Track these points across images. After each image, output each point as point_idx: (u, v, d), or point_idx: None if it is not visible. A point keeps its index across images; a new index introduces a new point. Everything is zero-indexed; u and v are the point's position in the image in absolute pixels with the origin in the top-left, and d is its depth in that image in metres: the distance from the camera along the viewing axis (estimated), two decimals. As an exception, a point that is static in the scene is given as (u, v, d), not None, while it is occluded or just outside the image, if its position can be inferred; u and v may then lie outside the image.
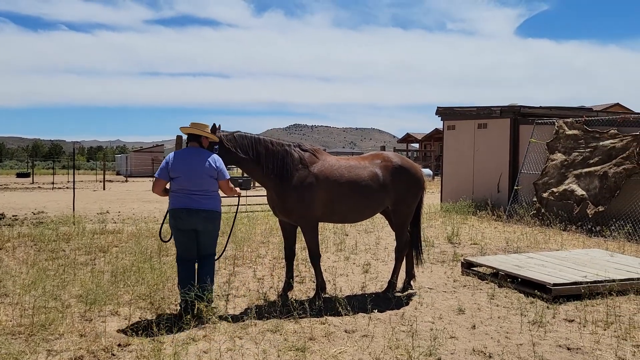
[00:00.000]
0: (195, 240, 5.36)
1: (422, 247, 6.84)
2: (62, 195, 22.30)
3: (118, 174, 50.22)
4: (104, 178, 31.10)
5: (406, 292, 6.31)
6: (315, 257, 6.02)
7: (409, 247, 6.55)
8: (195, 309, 5.06)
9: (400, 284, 6.50)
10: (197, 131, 5.40)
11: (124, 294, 5.97)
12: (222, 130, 5.76)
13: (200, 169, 5.23)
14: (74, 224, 11.33)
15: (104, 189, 27.24)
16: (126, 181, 37.75)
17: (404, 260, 6.54)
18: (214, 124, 5.61)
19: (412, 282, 6.55)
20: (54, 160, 59.27)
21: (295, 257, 6.42)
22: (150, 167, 43.95)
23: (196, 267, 5.43)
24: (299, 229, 6.21)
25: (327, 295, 6.00)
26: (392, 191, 6.17)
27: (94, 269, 7.12)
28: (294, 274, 6.47)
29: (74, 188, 15.35)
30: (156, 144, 63.23)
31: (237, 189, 5.63)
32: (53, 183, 30.73)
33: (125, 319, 5.17)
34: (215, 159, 5.34)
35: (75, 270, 7.06)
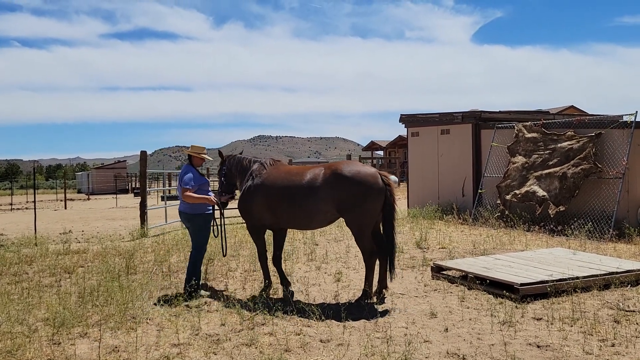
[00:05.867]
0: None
1: (394, 255, 6.40)
2: (22, 216, 21.64)
3: (79, 192, 49.00)
4: (65, 197, 30.26)
5: (379, 299, 6.35)
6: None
7: (381, 254, 6.34)
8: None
9: (373, 291, 6.52)
10: (186, 151, 7.03)
11: (93, 314, 5.83)
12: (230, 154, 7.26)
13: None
14: (36, 245, 11.01)
15: (65, 208, 26.55)
16: (88, 199, 36.88)
17: (378, 268, 6.49)
18: (219, 151, 7.44)
19: (384, 291, 6.51)
20: (11, 181, 57.46)
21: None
22: (113, 184, 43.05)
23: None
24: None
25: (300, 303, 6.00)
26: (331, 199, 6.11)
27: (60, 291, 6.93)
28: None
29: (34, 208, 14.91)
30: (118, 160, 62.08)
31: (207, 197, 6.68)
32: (11, 204, 29.77)
33: (96, 341, 5.05)
34: (183, 173, 6.75)
35: (40, 293, 6.87)
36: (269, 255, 6.95)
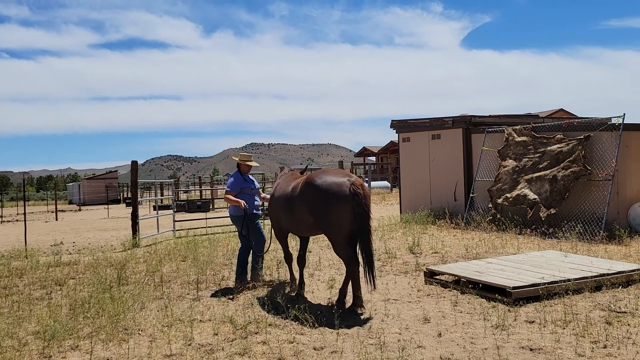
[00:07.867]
0: None
1: (373, 266, 6.04)
2: (12, 228, 21.46)
3: (70, 203, 48.71)
4: (55, 208, 30.09)
5: (372, 305, 6.31)
6: (285, 258, 7.43)
7: (360, 265, 6.16)
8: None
9: (353, 296, 6.34)
10: (234, 159, 8.15)
11: (84, 326, 5.78)
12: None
13: None
14: (26, 258, 10.92)
15: (56, 220, 26.37)
16: (79, 210, 36.66)
17: (362, 274, 6.33)
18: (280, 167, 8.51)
19: (359, 294, 6.24)
20: (1, 193, 57.03)
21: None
22: (105, 195, 42.82)
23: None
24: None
25: (293, 311, 5.97)
26: (305, 207, 6.28)
27: (51, 303, 6.87)
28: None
29: (25, 220, 14.79)
30: (109, 170, 61.85)
31: (238, 201, 7.56)
32: (2, 216, 29.54)
33: (87, 353, 5.01)
34: (229, 179, 7.88)
35: (31, 305, 6.81)
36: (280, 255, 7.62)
